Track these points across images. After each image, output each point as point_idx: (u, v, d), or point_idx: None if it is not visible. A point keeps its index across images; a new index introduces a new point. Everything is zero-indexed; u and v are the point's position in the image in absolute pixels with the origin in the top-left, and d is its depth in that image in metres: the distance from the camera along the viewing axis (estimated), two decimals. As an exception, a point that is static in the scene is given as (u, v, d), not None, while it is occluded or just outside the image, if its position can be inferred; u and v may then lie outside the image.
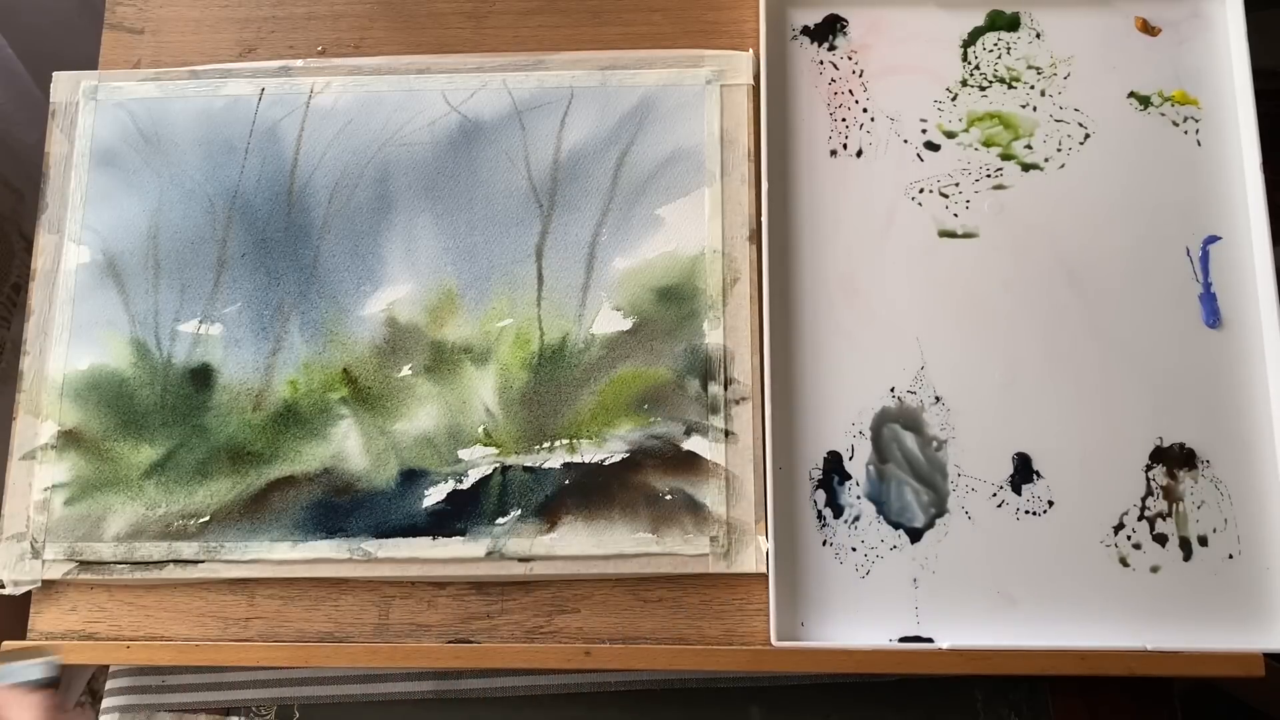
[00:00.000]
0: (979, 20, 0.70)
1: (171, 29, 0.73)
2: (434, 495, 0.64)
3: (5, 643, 0.62)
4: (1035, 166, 0.67)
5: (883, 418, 0.64)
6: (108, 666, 0.68)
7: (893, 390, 0.64)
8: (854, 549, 0.62)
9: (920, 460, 0.63)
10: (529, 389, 0.65)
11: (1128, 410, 0.63)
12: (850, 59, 0.70)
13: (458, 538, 0.63)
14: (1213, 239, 0.66)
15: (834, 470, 0.63)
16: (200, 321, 0.67)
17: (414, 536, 0.63)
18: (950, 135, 0.68)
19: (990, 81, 0.69)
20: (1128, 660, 0.59)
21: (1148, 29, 0.69)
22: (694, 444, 0.64)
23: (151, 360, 0.67)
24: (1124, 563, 0.62)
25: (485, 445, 0.64)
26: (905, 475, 0.63)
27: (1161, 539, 0.62)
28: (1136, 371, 0.64)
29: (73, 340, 0.67)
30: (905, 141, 0.68)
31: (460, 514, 0.63)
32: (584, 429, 0.64)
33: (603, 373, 0.65)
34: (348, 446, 0.65)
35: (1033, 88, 0.68)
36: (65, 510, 0.64)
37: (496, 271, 0.67)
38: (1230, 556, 0.61)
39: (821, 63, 0.70)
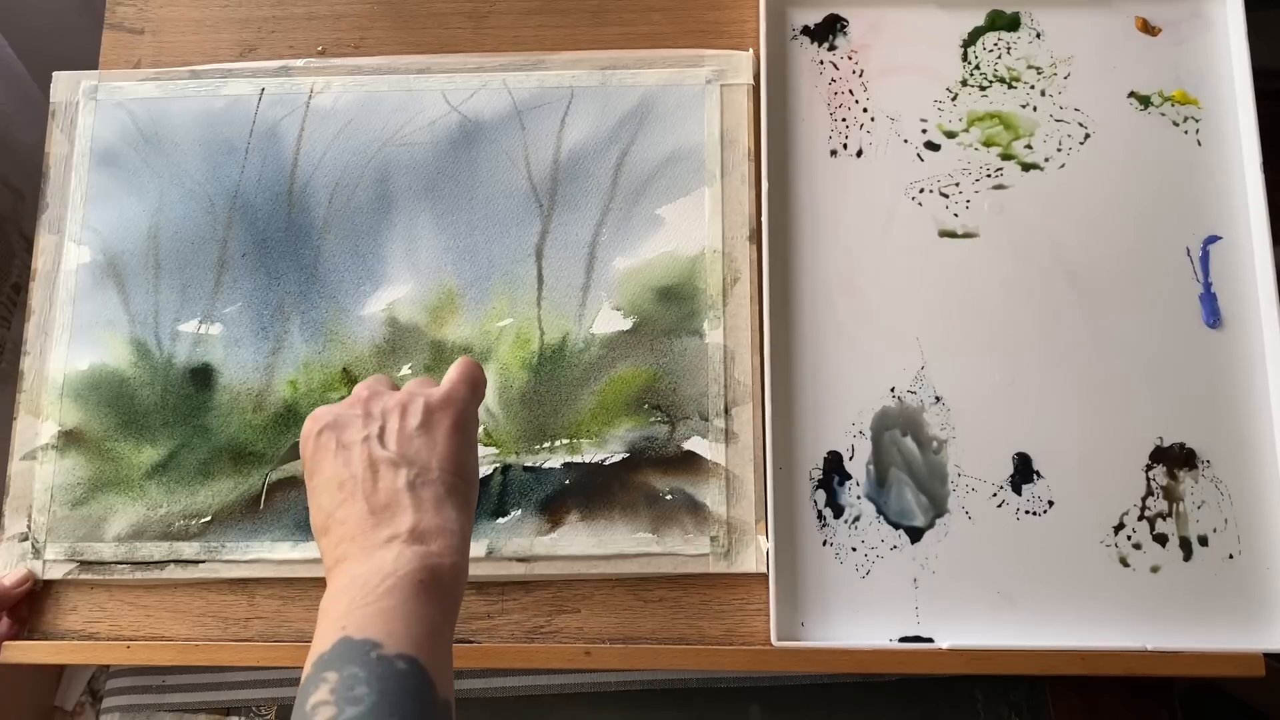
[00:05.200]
0: (979, 20, 0.70)
1: (171, 29, 0.73)
2: (434, 495, 0.64)
3: (5, 643, 0.62)
4: (1035, 166, 0.67)
5: (883, 418, 0.64)
6: (108, 666, 0.68)
7: (893, 390, 0.64)
8: (854, 549, 0.62)
9: (920, 464, 0.63)
10: (529, 389, 0.65)
11: (1128, 410, 0.63)
12: (850, 59, 0.70)
13: (458, 538, 0.63)
14: (1213, 239, 0.66)
15: (834, 470, 0.63)
16: (201, 321, 0.67)
17: (414, 536, 0.63)
18: (950, 135, 0.68)
19: (990, 81, 0.69)
20: (1128, 660, 0.59)
21: (1148, 29, 0.69)
22: (694, 444, 0.64)
23: (152, 360, 0.67)
24: (1124, 563, 0.62)
25: (486, 445, 0.64)
26: (905, 479, 0.63)
27: (1162, 539, 0.62)
28: (1136, 371, 0.64)
29: (73, 340, 0.67)
30: (905, 141, 0.68)
31: (460, 514, 0.63)
32: (584, 429, 0.64)
33: (603, 372, 0.65)
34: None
35: (1033, 88, 0.68)
36: (66, 510, 0.64)
37: (496, 271, 0.67)
38: (1230, 556, 0.62)
39: (821, 63, 0.70)
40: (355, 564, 0.44)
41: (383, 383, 0.52)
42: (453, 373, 0.52)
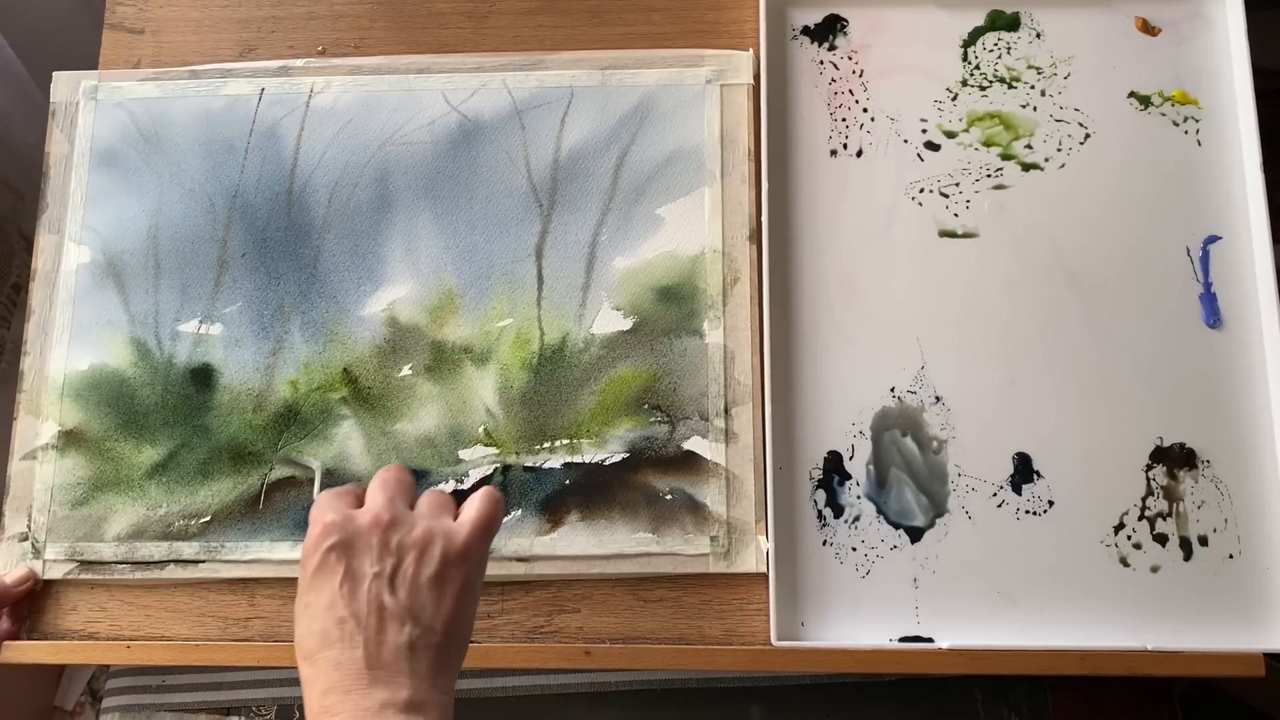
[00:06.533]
0: (979, 20, 0.70)
1: (171, 29, 0.73)
2: (434, 495, 0.64)
3: (5, 643, 0.62)
4: (1035, 166, 0.67)
5: (883, 418, 0.64)
6: (107, 666, 0.68)
7: (893, 390, 0.64)
8: (854, 549, 0.62)
9: (920, 464, 0.63)
10: (529, 389, 0.65)
11: (1128, 410, 0.63)
12: (850, 59, 0.70)
13: (458, 538, 0.63)
14: (1213, 239, 0.66)
15: (834, 470, 0.63)
16: (201, 321, 0.67)
17: (414, 536, 0.63)
18: (950, 135, 0.68)
19: (990, 81, 0.69)
20: (1128, 660, 0.59)
21: (1148, 29, 0.69)
22: (694, 444, 0.64)
23: (152, 360, 0.67)
24: (1124, 563, 0.62)
25: (486, 445, 0.64)
26: (905, 479, 0.63)
27: (1162, 539, 0.62)
28: (1136, 371, 0.64)
29: (73, 340, 0.67)
30: (905, 141, 0.68)
31: (460, 514, 0.63)
32: (584, 429, 0.64)
33: (603, 372, 0.65)
34: (349, 447, 0.65)
35: (1033, 88, 0.68)
36: (66, 510, 0.64)
37: (496, 271, 0.67)
38: (1230, 556, 0.62)
39: (821, 63, 0.70)
40: None
41: (404, 490, 0.50)
42: (473, 513, 0.50)
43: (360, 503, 0.50)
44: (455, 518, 0.50)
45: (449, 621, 0.46)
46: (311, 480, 0.64)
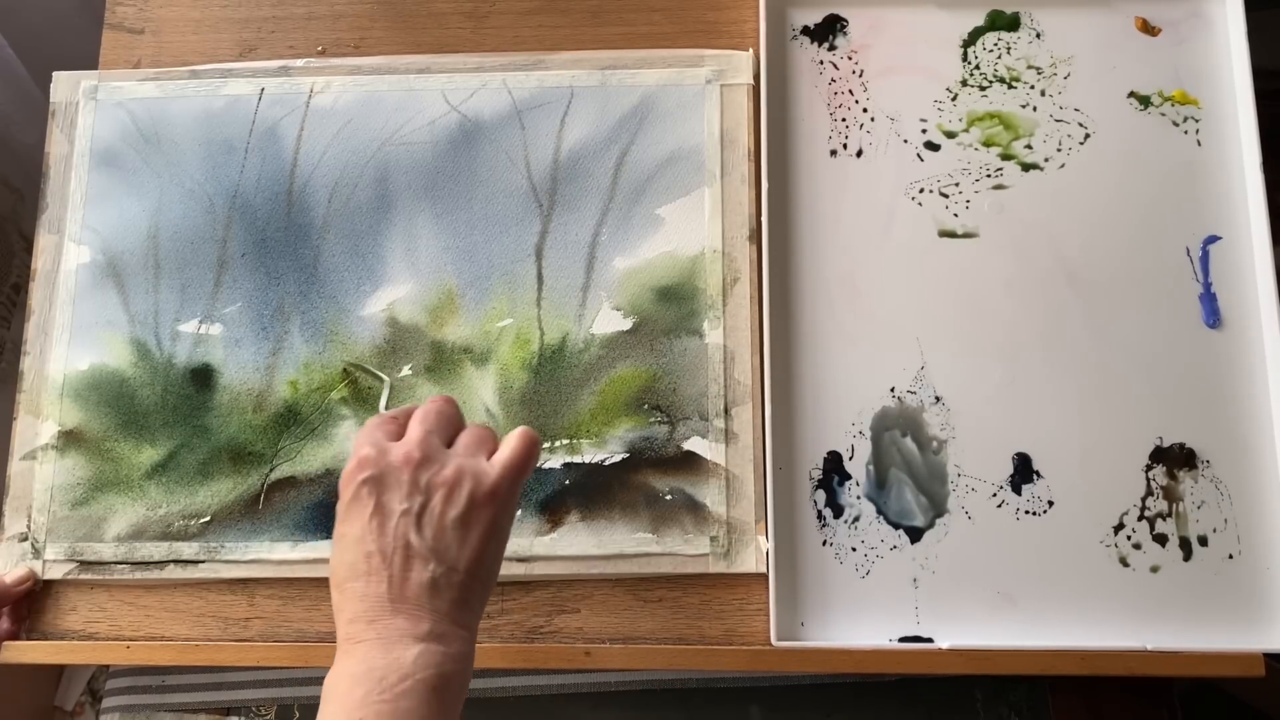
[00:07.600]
0: (979, 20, 0.70)
1: (171, 29, 0.73)
2: (434, 495, 0.64)
3: (5, 643, 0.62)
4: (1035, 166, 0.67)
5: (883, 418, 0.64)
6: (107, 666, 0.68)
7: (893, 390, 0.64)
8: (854, 549, 0.62)
9: (920, 464, 0.63)
10: (529, 389, 0.65)
11: (1128, 410, 0.63)
12: (850, 59, 0.70)
13: (458, 538, 0.63)
14: (1213, 239, 0.66)
15: (834, 470, 0.63)
16: (201, 321, 0.67)
17: (414, 536, 0.63)
18: (950, 135, 0.68)
19: (990, 81, 0.69)
20: (1128, 660, 0.59)
21: (1148, 29, 0.69)
22: (694, 444, 0.64)
23: (152, 360, 0.67)
24: (1124, 563, 0.62)
25: (485, 445, 0.64)
26: (905, 480, 0.63)
27: (1161, 539, 0.62)
28: (1136, 371, 0.64)
29: (73, 340, 0.67)
30: (905, 141, 0.68)
31: (460, 514, 0.63)
32: (584, 429, 0.64)
33: (603, 372, 0.65)
34: (349, 447, 0.65)
35: (1033, 88, 0.68)
36: (66, 510, 0.64)
37: (496, 271, 0.67)
38: (1230, 556, 0.62)
39: (821, 63, 0.70)
40: (373, 653, 0.45)
41: (444, 424, 0.51)
42: (506, 454, 0.50)
43: (403, 432, 0.51)
44: (491, 455, 0.50)
45: (472, 562, 0.48)
46: (311, 479, 0.64)
